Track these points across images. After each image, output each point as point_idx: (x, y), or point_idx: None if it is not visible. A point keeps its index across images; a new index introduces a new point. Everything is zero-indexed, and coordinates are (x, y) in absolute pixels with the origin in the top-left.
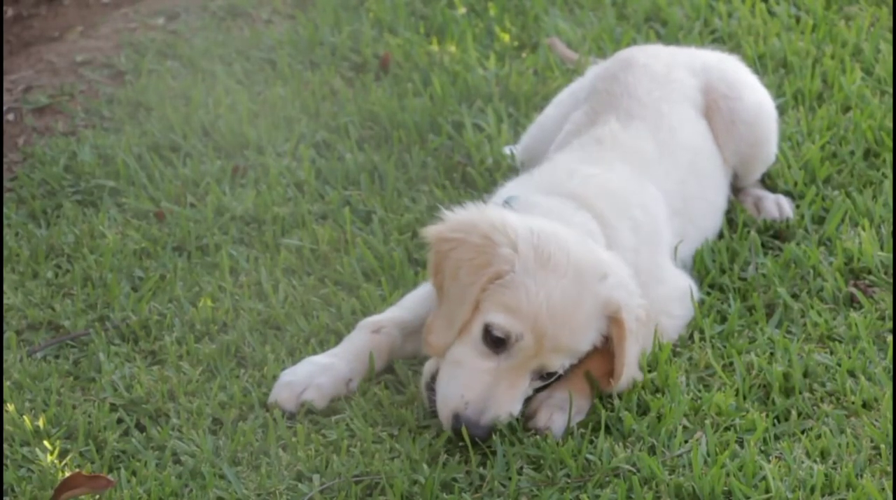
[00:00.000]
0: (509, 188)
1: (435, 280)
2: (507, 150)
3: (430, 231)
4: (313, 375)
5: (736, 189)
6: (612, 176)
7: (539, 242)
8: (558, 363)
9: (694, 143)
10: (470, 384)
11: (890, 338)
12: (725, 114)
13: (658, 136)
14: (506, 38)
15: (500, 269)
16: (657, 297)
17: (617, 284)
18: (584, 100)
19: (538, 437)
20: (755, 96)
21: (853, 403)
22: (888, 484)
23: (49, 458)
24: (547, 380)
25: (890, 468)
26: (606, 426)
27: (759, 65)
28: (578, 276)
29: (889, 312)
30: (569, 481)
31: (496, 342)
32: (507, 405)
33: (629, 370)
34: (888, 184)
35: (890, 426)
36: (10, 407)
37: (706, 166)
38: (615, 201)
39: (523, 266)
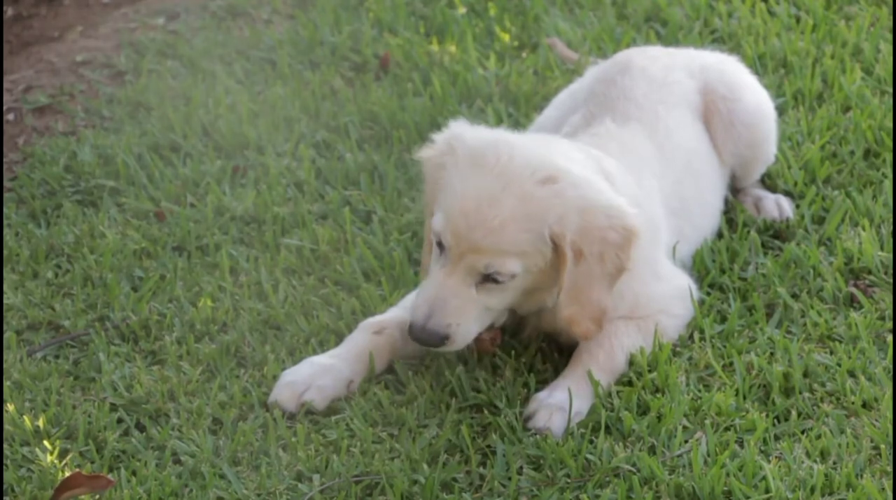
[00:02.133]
0: None
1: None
2: None
3: (420, 155)
4: (315, 376)
5: (736, 189)
6: (611, 159)
7: (479, 145)
8: (484, 263)
9: (690, 144)
10: (419, 293)
11: (890, 338)
12: (724, 115)
13: (654, 137)
14: (506, 38)
15: (440, 174)
16: (656, 294)
17: (566, 190)
18: (582, 103)
19: (538, 437)
20: (754, 97)
21: (853, 403)
22: (888, 484)
23: (49, 458)
24: (500, 283)
25: (890, 468)
26: (606, 426)
27: (759, 65)
28: (505, 175)
29: (889, 312)
30: (569, 481)
31: (440, 246)
32: (457, 314)
33: (572, 296)
34: (888, 184)
35: (890, 426)
36: (10, 407)
37: (703, 168)
38: (614, 175)
39: (454, 166)
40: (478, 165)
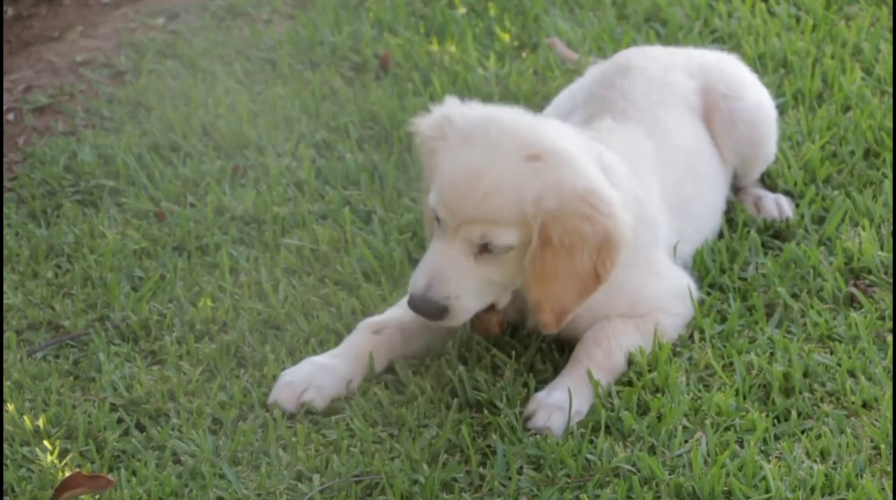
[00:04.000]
0: None
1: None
2: None
3: (414, 128)
4: (314, 375)
5: (736, 189)
6: (613, 154)
7: (469, 124)
8: (478, 234)
9: (690, 145)
10: (419, 265)
11: (890, 338)
12: (725, 113)
13: (654, 137)
14: (506, 38)
15: (433, 157)
16: (654, 293)
17: (548, 171)
18: (582, 104)
19: (538, 437)
20: (755, 96)
21: (853, 403)
22: (888, 484)
23: (49, 458)
24: (499, 255)
25: (890, 468)
26: (606, 426)
27: (759, 65)
28: (494, 148)
29: (889, 312)
30: (569, 481)
31: (438, 221)
32: (456, 284)
33: (536, 281)
34: (888, 184)
35: (890, 426)
36: (10, 407)
37: (703, 168)
38: (614, 170)
39: (446, 145)
40: (467, 142)
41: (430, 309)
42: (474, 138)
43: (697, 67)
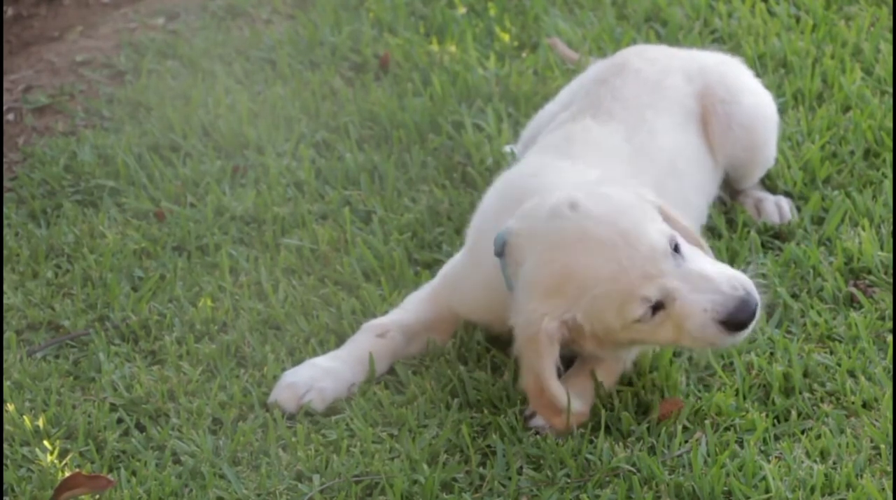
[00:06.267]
0: (484, 209)
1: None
2: (507, 149)
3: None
4: (316, 378)
5: (736, 191)
6: (585, 172)
7: (544, 224)
8: (669, 237)
9: (676, 146)
10: (710, 276)
11: (890, 338)
12: (722, 118)
13: (634, 138)
14: (506, 38)
15: (565, 319)
16: None
17: (593, 207)
18: (577, 101)
19: (538, 437)
20: (754, 100)
21: (853, 403)
22: (888, 484)
23: (49, 458)
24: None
25: (890, 468)
26: (606, 426)
27: (759, 65)
28: (585, 223)
29: (889, 312)
30: (569, 481)
31: (654, 309)
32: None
33: None
34: (888, 184)
35: (890, 426)
36: (10, 407)
37: (687, 169)
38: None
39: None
40: (558, 242)
41: (755, 308)
42: (558, 240)
43: (697, 71)
